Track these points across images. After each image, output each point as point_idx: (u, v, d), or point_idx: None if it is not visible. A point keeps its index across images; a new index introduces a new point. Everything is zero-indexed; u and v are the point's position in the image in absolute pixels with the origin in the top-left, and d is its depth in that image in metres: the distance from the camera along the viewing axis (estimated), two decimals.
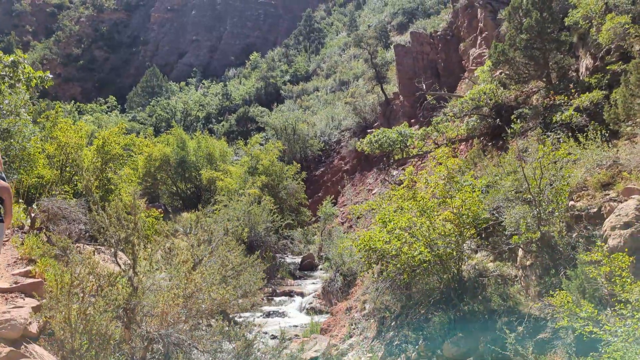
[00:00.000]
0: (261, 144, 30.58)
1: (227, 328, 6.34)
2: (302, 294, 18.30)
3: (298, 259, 23.55)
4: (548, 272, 8.37)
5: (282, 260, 22.26)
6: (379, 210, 11.50)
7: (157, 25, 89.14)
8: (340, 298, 17.03)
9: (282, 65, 62.71)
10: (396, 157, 20.32)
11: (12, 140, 12.21)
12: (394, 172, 25.96)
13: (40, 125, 15.21)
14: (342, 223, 26.93)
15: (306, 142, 34.53)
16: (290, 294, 18.25)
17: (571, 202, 9.12)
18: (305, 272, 22.27)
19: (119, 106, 69.87)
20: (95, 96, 74.43)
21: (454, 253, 9.32)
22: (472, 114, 15.82)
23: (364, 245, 10.06)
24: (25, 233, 8.26)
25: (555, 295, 6.53)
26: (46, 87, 9.90)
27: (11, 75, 9.32)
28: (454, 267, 9.57)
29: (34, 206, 9.06)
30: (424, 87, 21.64)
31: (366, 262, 10.33)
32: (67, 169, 12.23)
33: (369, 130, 32.10)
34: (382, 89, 32.32)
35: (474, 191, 9.70)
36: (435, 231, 9.43)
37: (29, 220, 8.82)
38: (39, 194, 10.76)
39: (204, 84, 70.48)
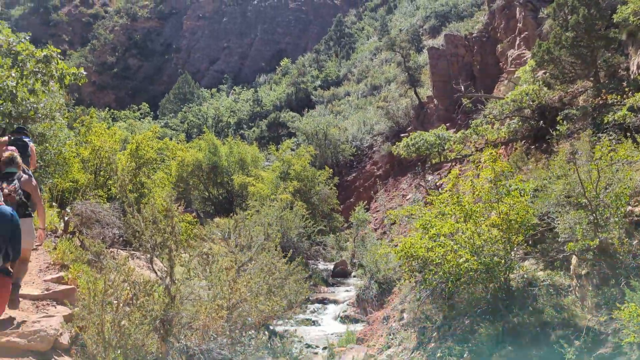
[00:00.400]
0: (292, 149, 30.36)
1: (270, 341, 5.96)
2: (336, 302, 17.87)
3: (330, 266, 23.16)
4: (607, 282, 7.78)
5: (315, 266, 21.88)
6: (420, 216, 11.00)
7: (189, 32, 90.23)
8: (376, 306, 16.55)
9: (313, 71, 62.57)
10: (433, 161, 19.75)
11: (47, 145, 12.19)
12: (429, 177, 25.37)
13: (75, 130, 15.23)
14: (375, 229, 26.44)
15: (338, 147, 34.17)
16: (323, 302, 17.84)
17: (629, 208, 8.51)
18: (338, 279, 21.84)
19: (152, 113, 70.79)
20: (129, 103, 75.58)
21: (502, 261, 8.79)
22: (514, 116, 15.19)
23: (405, 253, 9.59)
24: (58, 237, 8.08)
25: (622, 308, 5.98)
26: (80, 84, 9.61)
27: (44, 71, 9.06)
28: (502, 276, 9.02)
29: (67, 209, 8.86)
30: (462, 88, 21.01)
31: (407, 270, 9.86)
32: (101, 173, 12.14)
33: (402, 135, 31.53)
34: (415, 93, 31.76)
35: (522, 195, 9.16)
36: (481, 237, 8.93)
37: (62, 224, 8.64)
38: (72, 197, 10.65)
39: (235, 90, 70.85)
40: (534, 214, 9.25)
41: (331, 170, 25.63)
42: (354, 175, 33.12)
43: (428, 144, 16.78)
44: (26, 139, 7.34)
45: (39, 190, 6.31)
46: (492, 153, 9.31)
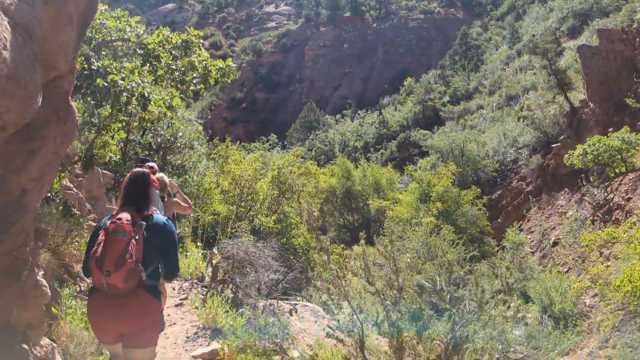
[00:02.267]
0: (427, 170, 28.26)
1: None
2: None
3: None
4: None
5: None
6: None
7: (311, 62, 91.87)
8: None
9: (439, 87, 59.98)
10: (616, 170, 16.62)
11: (187, 177, 11.46)
12: (595, 191, 21.84)
13: (212, 161, 14.64)
14: (533, 252, 23.31)
15: (477, 163, 31.38)
16: None
17: None
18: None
19: (280, 143, 72.27)
20: (258, 135, 77.99)
21: None
22: None
23: (631, 285, 7.23)
24: (205, 287, 6.77)
25: None
26: (229, 81, 8.01)
27: (182, 68, 7.46)
28: None
29: (214, 250, 7.51)
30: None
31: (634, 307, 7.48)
32: (242, 204, 11.11)
33: (553, 145, 28.11)
34: (566, 98, 28.23)
35: None
36: None
37: (209, 269, 7.27)
38: (214, 232, 9.64)
39: (359, 114, 70.24)
40: None
41: (479, 189, 23.08)
42: (498, 193, 30.07)
43: (613, 150, 13.89)
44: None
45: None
46: None
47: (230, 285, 6.54)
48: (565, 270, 20.77)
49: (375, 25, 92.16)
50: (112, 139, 7.27)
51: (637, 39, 26.30)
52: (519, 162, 30.76)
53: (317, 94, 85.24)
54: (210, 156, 15.65)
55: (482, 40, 70.67)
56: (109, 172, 8.95)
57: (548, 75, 28.75)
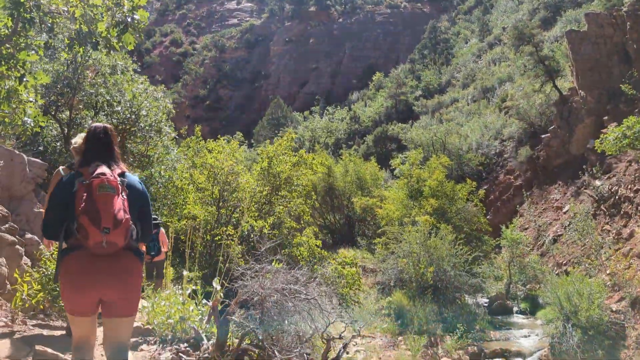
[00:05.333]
0: (402, 163, 26.41)
1: None
2: (520, 355, 13.48)
3: (483, 299, 18.77)
4: None
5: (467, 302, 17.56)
6: None
7: (276, 58, 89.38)
8: None
9: (410, 81, 58.56)
10: None
11: (152, 170, 9.08)
12: (597, 182, 20.34)
13: (182, 154, 12.25)
14: (530, 250, 21.69)
15: (461, 157, 29.76)
16: (504, 355, 13.50)
17: None
18: (499, 318, 17.33)
19: (246, 141, 69.62)
20: (223, 134, 75.04)
21: None
22: None
23: None
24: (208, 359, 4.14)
25: None
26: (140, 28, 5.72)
27: None
28: None
29: (215, 285, 4.52)
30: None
31: None
32: (224, 204, 8.79)
33: (543, 136, 26.69)
34: (554, 85, 26.82)
35: None
36: None
37: (209, 323, 4.24)
38: (190, 242, 7.32)
39: (328, 110, 68.29)
40: None
41: (474, 183, 21.29)
42: (484, 188, 28.42)
43: None
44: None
45: None
46: None
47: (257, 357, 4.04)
48: (569, 269, 19.21)
49: (341, 20, 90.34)
50: (22, 84, 4.71)
51: (628, 23, 25.04)
52: (505, 155, 29.30)
53: (283, 91, 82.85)
54: (177, 151, 13.20)
55: (451, 34, 69.70)
56: (39, 160, 6.64)
57: (535, 62, 27.26)
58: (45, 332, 4.95)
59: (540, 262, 20.24)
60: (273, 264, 4.63)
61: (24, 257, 5.37)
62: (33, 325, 4.98)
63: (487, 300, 18.77)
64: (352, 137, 52.72)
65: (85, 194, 3.30)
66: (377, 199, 21.83)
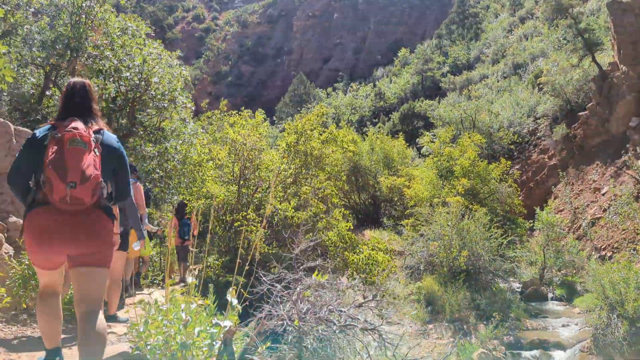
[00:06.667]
0: (432, 141, 25.34)
1: None
2: (560, 345, 12.59)
3: (515, 284, 17.86)
4: None
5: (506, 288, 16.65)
6: None
7: (299, 33, 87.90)
8: (633, 354, 11.38)
9: (437, 57, 56.86)
10: None
11: (167, 145, 8.33)
12: None
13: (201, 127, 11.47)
14: (565, 234, 20.61)
15: (491, 135, 28.53)
16: (542, 346, 12.64)
17: None
18: (532, 305, 16.41)
19: (268, 118, 68.88)
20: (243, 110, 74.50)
21: None
22: None
23: None
24: None
25: None
26: None
27: None
28: None
29: (229, 298, 3.22)
30: None
31: None
32: (245, 182, 8.00)
33: (580, 114, 25.30)
34: (594, 60, 25.32)
35: None
36: None
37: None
38: (212, 228, 6.56)
39: (352, 87, 67.02)
40: None
41: (509, 162, 20.18)
42: (516, 168, 27.26)
43: None
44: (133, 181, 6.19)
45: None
46: None
47: None
48: (609, 255, 18.17)
49: None
50: None
51: None
52: (538, 134, 27.97)
53: (306, 67, 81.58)
54: (195, 124, 12.32)
55: (480, 8, 67.39)
56: (28, 130, 5.92)
57: (573, 36, 25.74)
58: (29, 333, 4.28)
59: (577, 246, 19.17)
60: (314, 275, 3.69)
61: (5, 245, 4.66)
62: (14, 329, 4.31)
63: (520, 286, 17.89)
64: (377, 114, 51.57)
65: (55, 147, 3.20)
66: (405, 179, 20.89)
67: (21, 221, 5.22)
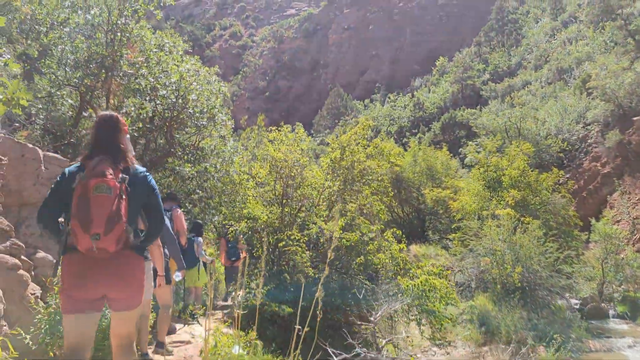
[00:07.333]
0: (477, 151, 24.42)
1: None
2: None
3: (573, 300, 16.80)
4: None
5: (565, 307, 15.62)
6: None
7: (335, 46, 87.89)
8: None
9: (477, 65, 55.69)
10: None
11: (206, 165, 8.00)
12: None
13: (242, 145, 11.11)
14: (624, 246, 19.39)
15: (538, 143, 27.38)
16: None
17: None
18: (593, 323, 15.35)
19: (306, 132, 68.82)
20: (283, 125, 74.67)
21: None
22: None
23: None
24: None
25: None
26: None
27: None
28: None
29: None
30: None
31: None
32: (288, 201, 7.55)
33: (634, 118, 24.03)
34: None
35: None
36: None
37: None
38: (251, 248, 6.12)
39: (389, 97, 66.36)
40: None
41: (561, 172, 19.19)
42: (566, 177, 26.02)
43: None
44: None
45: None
46: None
47: None
48: None
49: (401, 4, 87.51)
50: None
51: None
52: (589, 140, 26.71)
53: (342, 80, 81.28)
54: (235, 143, 11.99)
55: (519, 13, 65.88)
56: (59, 156, 5.58)
57: (624, 37, 24.54)
58: None
59: (638, 259, 17.97)
60: None
61: (31, 285, 4.30)
62: None
63: (577, 302, 16.84)
64: (417, 125, 50.72)
65: (80, 192, 3.16)
66: (450, 190, 20.14)
67: (50, 257, 4.90)
